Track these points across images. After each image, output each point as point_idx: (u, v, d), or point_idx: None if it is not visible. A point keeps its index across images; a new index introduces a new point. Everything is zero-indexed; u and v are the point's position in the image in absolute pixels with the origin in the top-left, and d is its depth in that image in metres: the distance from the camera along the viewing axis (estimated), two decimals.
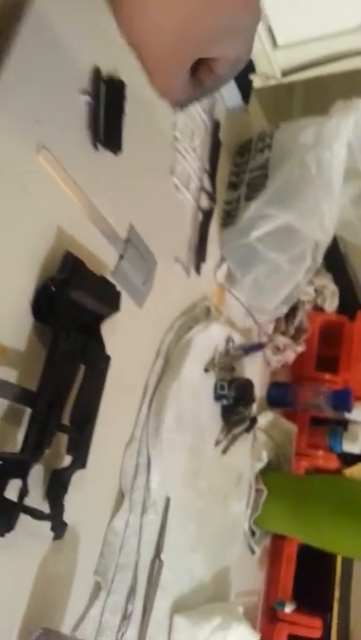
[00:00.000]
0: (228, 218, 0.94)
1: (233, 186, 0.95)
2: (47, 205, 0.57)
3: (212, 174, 0.90)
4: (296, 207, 0.80)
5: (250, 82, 0.97)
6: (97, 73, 0.62)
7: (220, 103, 0.94)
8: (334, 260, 1.35)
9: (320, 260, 0.97)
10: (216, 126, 0.92)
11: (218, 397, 0.90)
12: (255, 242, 0.87)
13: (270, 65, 1.01)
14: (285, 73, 1.03)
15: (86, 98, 0.61)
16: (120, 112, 0.65)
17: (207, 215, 0.88)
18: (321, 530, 0.96)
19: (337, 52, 0.96)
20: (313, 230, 0.82)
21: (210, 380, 0.89)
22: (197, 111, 0.87)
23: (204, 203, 0.89)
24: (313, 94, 1.63)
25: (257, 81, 1.03)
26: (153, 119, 0.75)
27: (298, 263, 0.94)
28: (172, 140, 0.79)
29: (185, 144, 0.81)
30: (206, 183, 0.89)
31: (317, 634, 1.11)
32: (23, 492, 0.50)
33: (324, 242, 0.88)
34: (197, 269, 0.86)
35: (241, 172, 0.95)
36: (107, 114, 0.63)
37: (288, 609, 1.09)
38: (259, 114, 1.09)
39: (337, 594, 1.17)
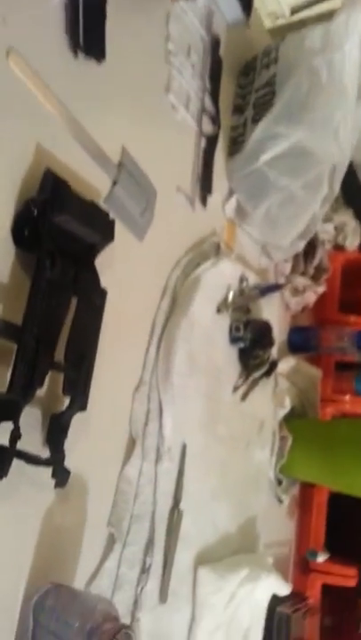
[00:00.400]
0: (235, 145, 0.86)
1: (239, 109, 0.87)
2: (22, 119, 0.50)
3: (215, 96, 0.82)
4: (308, 121, 0.72)
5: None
6: None
7: (219, 18, 0.85)
8: (354, 194, 1.26)
9: (337, 187, 0.89)
10: (216, 42, 0.83)
11: (233, 340, 0.84)
12: (265, 167, 0.80)
13: (278, 3, 0.95)
14: (294, 10, 0.96)
15: None
16: (102, 14, 0.58)
17: (211, 141, 0.81)
18: (351, 475, 0.91)
19: None
20: (327, 147, 0.74)
21: (224, 322, 0.83)
22: (193, 23, 0.78)
23: (207, 127, 0.81)
24: None
25: (266, 21, 0.96)
26: (141, 25, 0.68)
27: (313, 190, 0.87)
28: (164, 53, 0.71)
29: (181, 58, 0.73)
30: (208, 105, 0.81)
31: (353, 582, 1.08)
32: (15, 436, 0.45)
33: (341, 162, 0.80)
34: (203, 201, 0.79)
35: (246, 93, 0.86)
36: (86, 16, 0.55)
37: (321, 558, 1.06)
38: (262, 29, 0.99)
39: None
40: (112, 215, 0.58)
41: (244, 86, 0.88)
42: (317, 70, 0.70)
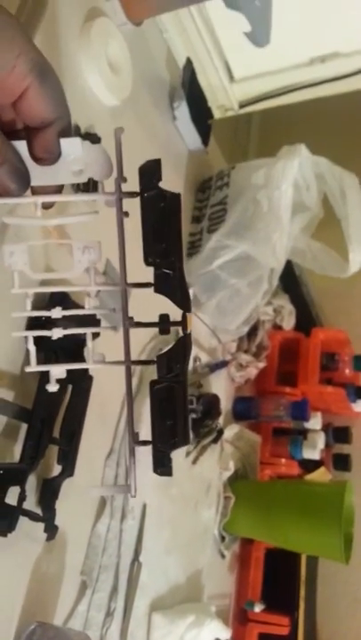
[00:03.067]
0: (193, 248, 1.03)
1: (196, 219, 1.05)
2: None
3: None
4: (251, 238, 0.90)
5: (209, 126, 1.08)
6: (76, 129, 0.71)
7: (183, 147, 1.04)
8: (290, 282, 1.46)
9: (275, 283, 1.08)
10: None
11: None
12: (217, 269, 0.97)
13: (228, 98, 1.12)
14: (242, 105, 1.14)
15: None
16: None
17: None
18: (286, 531, 1.05)
19: (289, 85, 1.07)
20: (267, 257, 0.92)
21: None
22: None
23: None
24: (269, 123, 1.77)
25: (216, 113, 1.13)
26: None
27: (256, 287, 1.04)
28: None
29: None
30: None
31: (285, 631, 1.19)
32: (22, 497, 0.57)
33: (278, 267, 0.99)
34: None
35: (203, 206, 1.05)
36: None
37: (257, 608, 1.17)
38: (217, 153, 1.20)
39: (303, 593, 1.25)
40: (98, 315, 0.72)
41: (201, 200, 1.06)
42: (260, 201, 0.89)
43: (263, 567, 1.24)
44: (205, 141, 1.05)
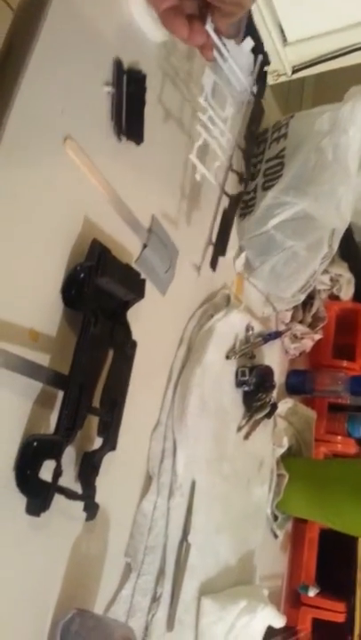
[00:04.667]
0: (246, 208, 0.95)
1: (250, 176, 0.96)
2: (74, 195, 0.58)
3: (248, 152, 0.88)
4: (313, 193, 0.81)
5: (265, 73, 0.98)
6: (119, 64, 0.63)
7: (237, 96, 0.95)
8: (349, 249, 1.35)
9: (336, 246, 0.98)
10: (259, 94, 0.90)
11: (239, 384, 0.91)
12: (273, 230, 0.88)
13: (281, 62, 1.04)
14: (296, 69, 1.06)
15: (109, 89, 0.62)
16: (141, 103, 0.66)
17: (234, 201, 0.87)
18: (341, 512, 0.97)
19: (344, 47, 0.98)
20: (329, 216, 0.83)
21: (231, 367, 0.91)
22: (235, 74, 0.84)
23: (232, 187, 0.87)
24: (322, 90, 1.65)
25: (268, 79, 1.05)
26: (175, 111, 0.76)
27: (315, 250, 0.95)
28: (191, 126, 0.79)
29: (212, 114, 0.76)
30: (236, 163, 0.87)
31: (341, 618, 1.13)
32: (57, 473, 0.52)
33: (341, 227, 0.89)
34: (213, 264, 0.85)
35: (258, 162, 0.96)
36: (129, 105, 0.64)
37: (312, 593, 1.11)
38: (273, 105, 1.09)
39: (359, 577, 1.18)
40: (142, 274, 0.65)
41: (255, 155, 0.97)
42: (324, 150, 0.79)
43: (318, 549, 1.17)
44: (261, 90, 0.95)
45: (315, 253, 0.96)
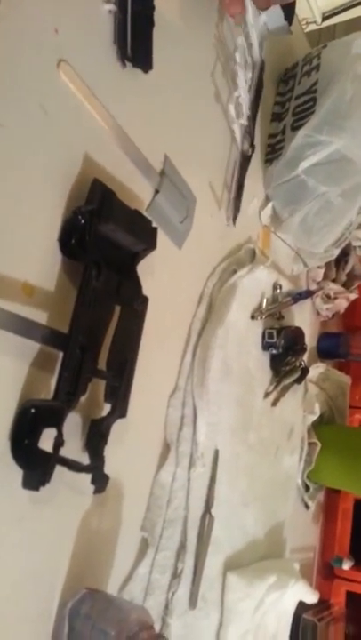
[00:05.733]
0: (273, 152, 0.86)
1: (277, 117, 0.87)
2: (71, 129, 0.51)
3: (253, 119, 0.82)
4: (350, 129, 0.72)
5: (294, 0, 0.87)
6: None
7: (261, 26, 0.84)
8: None
9: None
10: (262, 67, 0.83)
11: (266, 346, 0.84)
12: (304, 174, 0.79)
13: (310, 9, 0.98)
14: (326, 16, 1.00)
15: (111, 6, 0.54)
16: (149, 24, 0.58)
17: (245, 162, 0.80)
18: None
19: None
20: None
21: (257, 328, 0.83)
22: (255, 41, 0.78)
23: (246, 146, 0.80)
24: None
25: (297, 27, 0.98)
26: (189, 35, 0.68)
27: (351, 199, 0.86)
28: (222, 64, 0.71)
29: (241, 72, 0.72)
30: (245, 124, 0.80)
31: None
32: (58, 442, 0.46)
33: None
34: (233, 220, 0.78)
35: (286, 100, 0.86)
36: (134, 26, 0.56)
37: (346, 565, 1.06)
38: (302, 38, 0.99)
39: None
40: (154, 223, 0.58)
41: (283, 94, 0.87)
42: None
43: (352, 520, 1.12)
44: (289, 18, 0.85)
45: (351, 202, 0.86)
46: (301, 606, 0.87)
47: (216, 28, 0.73)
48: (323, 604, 1.01)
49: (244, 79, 0.74)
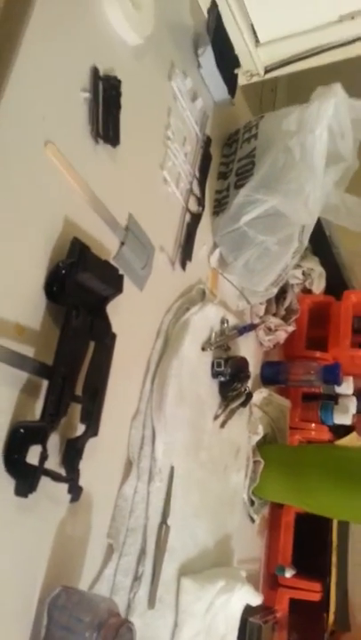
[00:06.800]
0: (220, 206, 0.98)
1: (223, 175, 1.00)
2: (55, 196, 0.61)
3: (202, 184, 0.95)
4: (282, 190, 0.85)
5: (236, 76, 1.02)
6: (95, 72, 0.67)
7: (208, 98, 0.99)
8: (320, 243, 1.41)
9: (306, 241, 1.02)
10: (207, 141, 0.96)
11: (215, 374, 0.95)
12: (245, 226, 0.92)
13: (253, 62, 1.07)
14: (268, 69, 1.09)
15: (86, 95, 0.65)
16: (117, 107, 0.70)
17: (195, 218, 0.92)
18: (316, 495, 1.02)
19: (316, 47, 1.02)
20: (298, 212, 0.87)
21: (207, 359, 0.95)
22: (190, 121, 0.92)
23: (193, 206, 0.93)
24: (294, 90, 1.69)
25: (241, 79, 1.08)
26: (146, 116, 0.80)
27: (286, 245, 0.99)
28: (163, 138, 0.84)
29: (176, 145, 0.86)
30: (196, 189, 0.93)
31: (317, 597, 1.18)
32: (43, 457, 0.55)
33: (310, 223, 0.93)
34: (183, 266, 0.89)
35: (230, 161, 1.00)
36: (105, 109, 0.67)
37: (288, 574, 1.15)
38: (244, 106, 1.14)
39: (334, 559, 1.23)
40: (120, 270, 0.69)
41: (227, 155, 1.01)
42: (292, 149, 0.83)
43: (293, 532, 1.22)
44: (232, 91, 0.99)
45: (286, 248, 1.00)
46: (248, 611, 0.96)
47: (168, 110, 0.86)
48: (268, 610, 1.11)
49: (182, 152, 0.87)
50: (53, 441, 0.61)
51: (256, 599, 0.95)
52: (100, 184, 0.68)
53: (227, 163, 1.00)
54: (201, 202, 0.94)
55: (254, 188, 0.88)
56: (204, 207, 0.94)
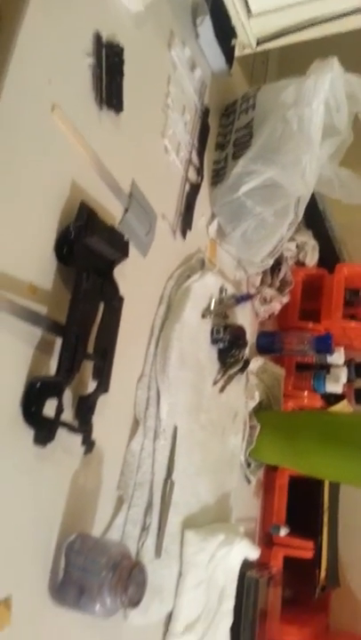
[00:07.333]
0: (217, 177, 1.01)
1: (221, 146, 1.03)
2: (62, 161, 0.64)
3: (201, 153, 0.97)
4: (279, 162, 0.88)
5: (233, 47, 1.03)
6: (98, 38, 0.69)
7: (206, 68, 1.00)
8: (314, 217, 1.44)
9: (301, 213, 1.05)
10: (206, 111, 0.98)
11: (214, 341, 0.99)
12: (243, 197, 0.95)
13: (246, 34, 1.07)
14: (260, 41, 1.09)
15: (90, 60, 0.67)
16: (120, 74, 0.72)
17: (194, 188, 0.95)
18: (308, 457, 1.06)
19: (307, 19, 1.03)
20: (295, 182, 0.90)
21: (206, 326, 0.98)
22: (189, 91, 0.94)
23: (192, 176, 0.95)
24: (286, 64, 1.70)
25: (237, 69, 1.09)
26: (148, 82, 0.82)
27: (282, 217, 1.02)
28: (164, 106, 0.86)
29: (176, 114, 0.88)
30: (195, 158, 0.95)
31: (310, 554, 1.24)
32: (59, 409, 0.58)
33: (305, 194, 0.96)
34: (183, 235, 0.92)
35: (228, 132, 1.02)
36: (108, 76, 0.69)
37: (283, 532, 1.21)
38: (241, 77, 1.15)
39: (326, 519, 1.29)
40: (125, 236, 0.72)
41: (225, 125, 1.03)
42: (290, 121, 0.86)
43: (287, 494, 1.27)
44: (230, 61, 1.01)
45: (282, 220, 1.03)
46: (245, 566, 1.02)
47: (168, 79, 0.88)
48: (263, 566, 1.16)
49: (182, 121, 0.89)
50: (66, 396, 0.64)
51: (254, 553, 1.00)
52: (104, 150, 0.70)
53: (224, 133, 1.03)
54: (200, 172, 0.96)
55: (252, 158, 0.91)
56: (202, 177, 0.97)
